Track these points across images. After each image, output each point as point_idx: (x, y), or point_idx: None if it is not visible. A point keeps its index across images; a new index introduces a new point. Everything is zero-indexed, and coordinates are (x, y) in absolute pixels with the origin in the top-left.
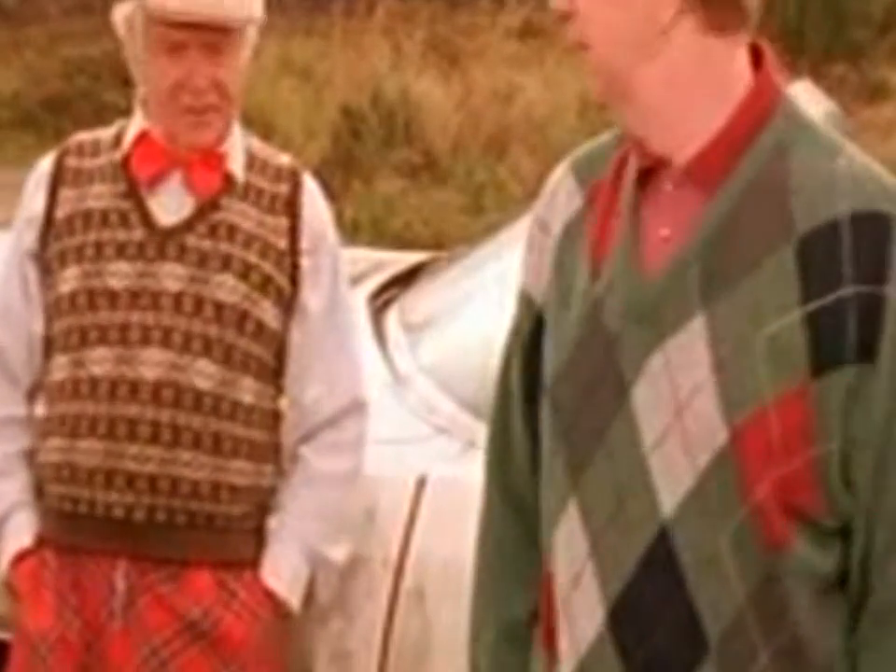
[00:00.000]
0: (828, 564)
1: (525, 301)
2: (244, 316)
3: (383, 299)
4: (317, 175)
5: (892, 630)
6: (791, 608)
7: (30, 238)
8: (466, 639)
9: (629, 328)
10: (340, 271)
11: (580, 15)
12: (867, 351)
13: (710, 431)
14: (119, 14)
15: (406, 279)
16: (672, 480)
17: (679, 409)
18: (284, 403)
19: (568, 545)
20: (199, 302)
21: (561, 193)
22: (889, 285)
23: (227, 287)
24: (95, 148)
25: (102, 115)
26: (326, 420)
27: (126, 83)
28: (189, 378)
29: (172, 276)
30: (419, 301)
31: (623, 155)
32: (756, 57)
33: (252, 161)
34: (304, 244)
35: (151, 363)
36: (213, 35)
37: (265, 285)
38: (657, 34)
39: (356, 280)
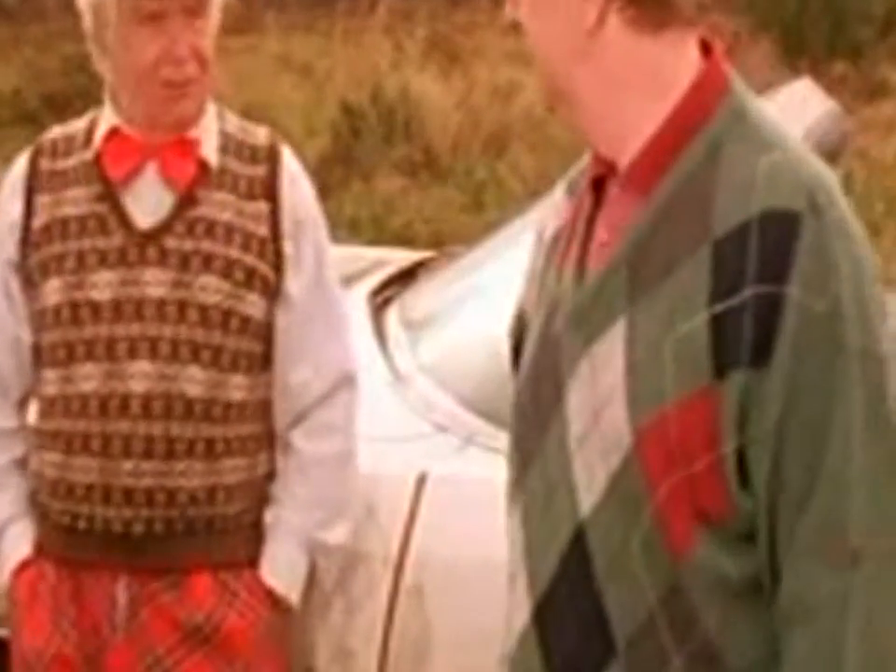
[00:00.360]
0: (736, 569)
1: (518, 314)
2: (228, 315)
3: (383, 297)
4: (317, 172)
5: (800, 630)
6: (701, 613)
7: (9, 247)
8: (466, 636)
9: (568, 332)
10: (324, 250)
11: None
12: (763, 352)
13: (619, 435)
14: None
15: (406, 277)
16: (590, 481)
17: (597, 412)
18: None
19: (512, 541)
20: (182, 307)
21: (555, 209)
22: (791, 284)
23: (210, 289)
24: (68, 146)
25: None
26: (315, 400)
27: None
28: (179, 387)
29: (154, 282)
30: (419, 299)
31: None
32: (707, 53)
33: (226, 143)
34: (286, 227)
35: (140, 376)
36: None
37: (250, 278)
38: (585, 38)
39: (356, 278)
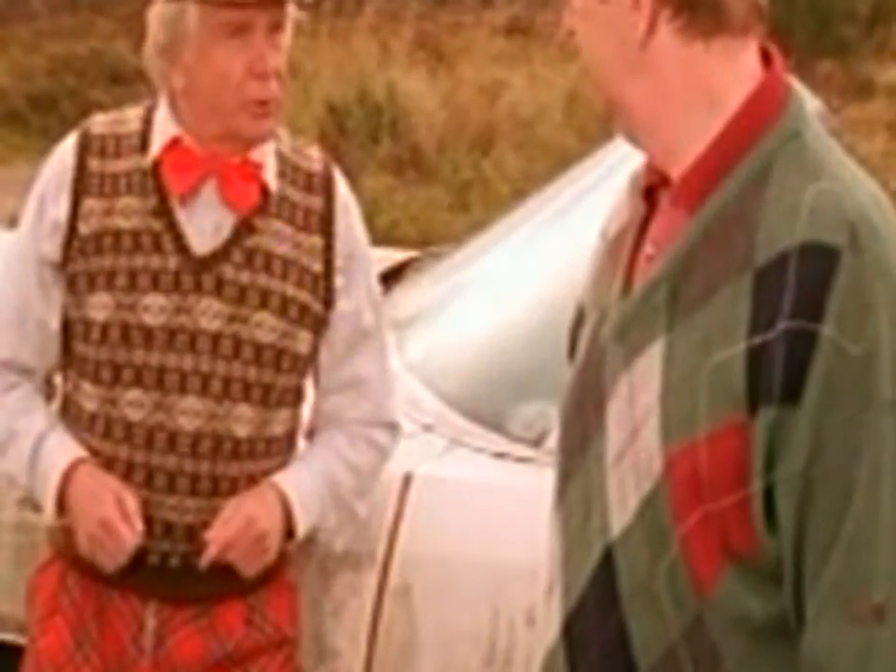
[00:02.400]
0: (761, 608)
1: (578, 307)
2: (281, 353)
3: None
4: None
5: None
6: (724, 651)
7: (51, 247)
8: (451, 636)
9: (612, 344)
10: (371, 278)
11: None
12: (793, 391)
13: (651, 458)
14: (159, 11)
15: (392, 276)
16: (622, 502)
17: (634, 432)
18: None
19: (552, 551)
20: (237, 344)
21: (621, 202)
22: (825, 322)
23: (266, 326)
24: (118, 146)
25: (88, 113)
26: (349, 422)
27: (112, 81)
28: (228, 426)
29: (209, 314)
30: (405, 298)
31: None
32: (768, 63)
33: (283, 168)
34: (339, 262)
35: (190, 413)
36: (277, 12)
37: (302, 315)
38: (636, 48)
39: None
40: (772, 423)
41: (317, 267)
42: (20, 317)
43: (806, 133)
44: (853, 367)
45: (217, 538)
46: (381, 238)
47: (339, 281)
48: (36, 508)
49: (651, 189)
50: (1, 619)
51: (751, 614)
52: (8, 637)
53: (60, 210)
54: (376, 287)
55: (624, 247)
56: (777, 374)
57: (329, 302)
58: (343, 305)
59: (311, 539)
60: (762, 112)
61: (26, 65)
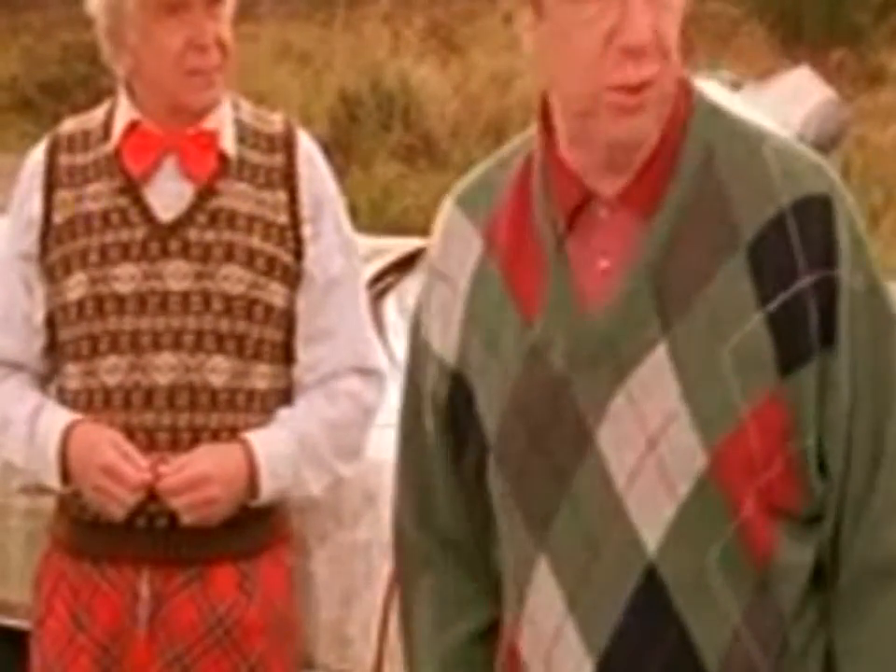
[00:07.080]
0: (808, 554)
1: (437, 363)
2: (252, 304)
3: (381, 285)
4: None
5: (870, 603)
6: (784, 613)
7: (28, 241)
8: None
9: (582, 371)
10: (342, 226)
11: None
12: (828, 335)
13: (688, 458)
14: None
15: (404, 265)
16: (652, 515)
17: (652, 441)
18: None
19: (544, 605)
20: (206, 298)
21: (455, 239)
22: (840, 267)
23: (233, 279)
24: (85, 141)
25: (100, 100)
26: (328, 374)
27: None
28: (203, 377)
29: (178, 275)
30: (417, 286)
31: (519, 179)
32: None
33: (243, 134)
34: (305, 212)
35: (165, 368)
36: None
37: (271, 267)
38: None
39: None
40: (817, 371)
41: (283, 219)
42: (5, 314)
43: (720, 103)
44: (865, 301)
45: (167, 481)
46: (392, 226)
47: (307, 230)
48: (39, 491)
49: (574, 211)
50: (13, 606)
51: (805, 562)
52: (21, 623)
53: (34, 206)
54: (348, 234)
55: (529, 278)
56: (813, 324)
57: (299, 253)
58: (311, 252)
59: (323, 531)
60: (682, 102)
61: (38, 53)
